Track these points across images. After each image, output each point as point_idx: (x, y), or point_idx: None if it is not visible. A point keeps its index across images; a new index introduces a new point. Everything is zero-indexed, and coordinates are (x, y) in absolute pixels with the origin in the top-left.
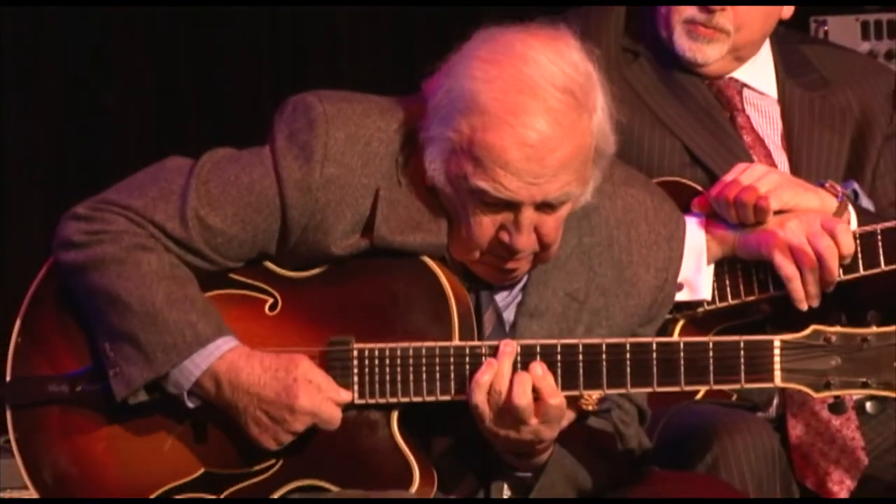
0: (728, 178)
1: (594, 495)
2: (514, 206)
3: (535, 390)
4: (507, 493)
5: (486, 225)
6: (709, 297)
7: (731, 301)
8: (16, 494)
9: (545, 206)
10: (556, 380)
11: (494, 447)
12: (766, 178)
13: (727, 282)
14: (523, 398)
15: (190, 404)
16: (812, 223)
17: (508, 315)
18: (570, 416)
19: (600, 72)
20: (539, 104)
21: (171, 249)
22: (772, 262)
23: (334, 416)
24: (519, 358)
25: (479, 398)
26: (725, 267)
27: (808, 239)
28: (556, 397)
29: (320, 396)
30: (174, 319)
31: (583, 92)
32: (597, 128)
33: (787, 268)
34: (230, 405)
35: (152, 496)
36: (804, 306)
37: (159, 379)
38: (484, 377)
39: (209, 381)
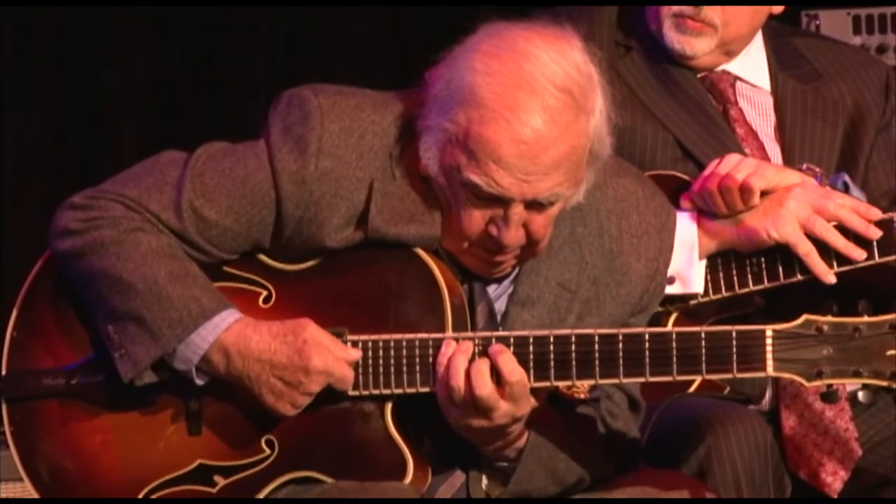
0: (706, 172)
1: (576, 485)
2: (504, 202)
3: (495, 373)
4: (485, 484)
5: (475, 217)
6: (701, 290)
7: (724, 293)
8: (12, 486)
9: (535, 205)
10: (549, 371)
11: (470, 440)
12: (743, 163)
13: (720, 274)
14: (485, 387)
15: (199, 381)
16: (810, 195)
17: (500, 306)
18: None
19: (602, 74)
20: (536, 101)
21: (166, 234)
22: (784, 242)
23: (347, 374)
24: (512, 349)
25: (443, 396)
26: (719, 259)
27: (816, 210)
28: (515, 374)
29: (332, 356)
30: (178, 295)
31: (582, 93)
32: (593, 130)
33: (803, 244)
34: (242, 376)
35: (148, 488)
36: (830, 279)
37: (166, 357)
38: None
39: (217, 353)
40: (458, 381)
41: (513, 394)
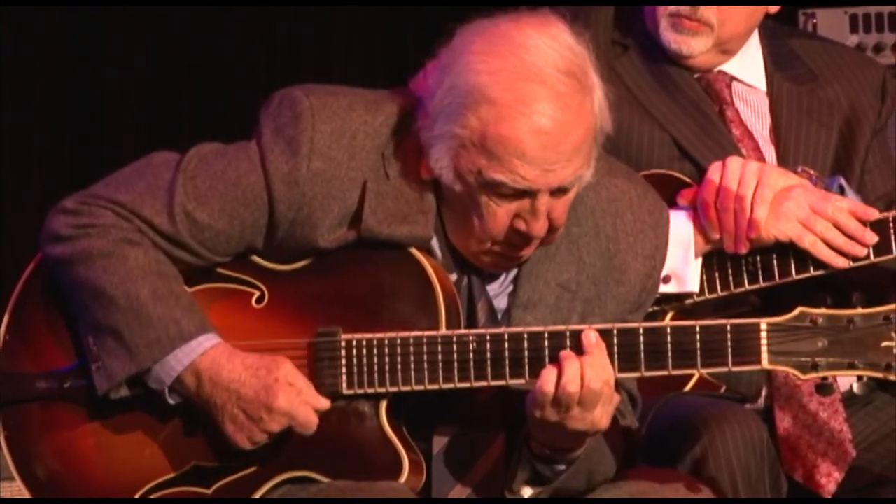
0: (712, 177)
1: (600, 482)
2: (530, 194)
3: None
4: (528, 492)
5: (500, 216)
6: (696, 289)
7: (720, 293)
8: (6, 485)
9: (559, 191)
10: (544, 368)
11: (537, 439)
12: (747, 170)
13: (716, 273)
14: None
15: (171, 401)
16: (810, 196)
17: (499, 304)
18: (616, 398)
19: (590, 51)
20: (547, 90)
21: (158, 245)
22: (785, 240)
23: (310, 420)
24: (507, 345)
25: (551, 400)
26: (714, 258)
27: (814, 212)
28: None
29: (299, 399)
30: (159, 315)
31: (583, 73)
32: (598, 106)
33: (806, 236)
34: (209, 402)
35: (142, 490)
36: (842, 263)
37: (141, 374)
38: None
39: (190, 377)
40: (576, 387)
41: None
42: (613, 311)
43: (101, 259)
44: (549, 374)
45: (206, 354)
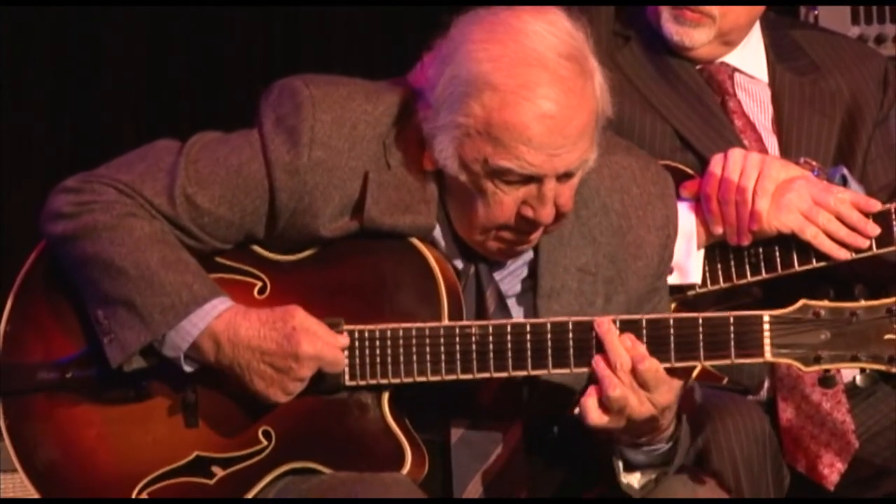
0: (714, 170)
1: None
2: (537, 180)
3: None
4: (636, 479)
5: (507, 204)
6: (699, 280)
7: (722, 284)
8: (7, 477)
9: (565, 176)
10: (546, 359)
11: (622, 441)
12: (749, 162)
13: (719, 265)
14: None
15: (187, 368)
16: (812, 188)
17: (509, 290)
18: (676, 383)
19: (587, 35)
20: (550, 75)
21: (159, 220)
22: (787, 231)
23: (338, 357)
24: (509, 337)
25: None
26: (717, 250)
27: (816, 203)
28: (643, 361)
29: (321, 341)
30: (170, 281)
31: (582, 57)
32: (599, 90)
33: (809, 228)
34: (232, 364)
35: (145, 480)
36: (845, 254)
37: (155, 343)
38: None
39: (207, 341)
40: (624, 391)
41: (646, 382)
42: (636, 286)
43: (106, 231)
44: (590, 404)
45: (220, 317)
